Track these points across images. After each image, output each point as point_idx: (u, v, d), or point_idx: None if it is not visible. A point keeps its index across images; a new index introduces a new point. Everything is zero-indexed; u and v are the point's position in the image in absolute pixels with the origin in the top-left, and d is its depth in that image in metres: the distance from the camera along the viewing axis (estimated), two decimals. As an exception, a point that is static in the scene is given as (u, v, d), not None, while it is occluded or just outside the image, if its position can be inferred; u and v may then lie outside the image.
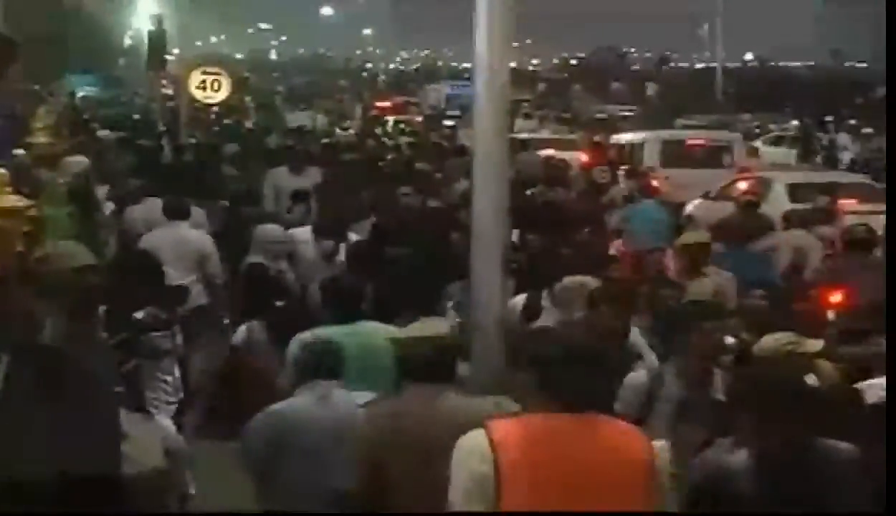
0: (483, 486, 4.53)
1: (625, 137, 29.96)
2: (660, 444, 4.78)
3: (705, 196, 22.10)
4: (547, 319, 8.89)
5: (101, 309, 7.21)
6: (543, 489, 4.53)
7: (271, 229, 11.83)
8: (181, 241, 11.66)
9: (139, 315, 8.09)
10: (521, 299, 9.26)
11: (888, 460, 5.03)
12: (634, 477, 4.60)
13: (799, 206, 16.31)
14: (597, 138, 30.26)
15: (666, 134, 30.23)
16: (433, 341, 5.93)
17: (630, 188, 17.31)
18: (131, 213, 13.97)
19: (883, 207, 14.43)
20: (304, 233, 12.11)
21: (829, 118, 43.29)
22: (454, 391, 5.91)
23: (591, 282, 8.84)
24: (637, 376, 7.12)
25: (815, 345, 7.10)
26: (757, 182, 20.89)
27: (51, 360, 5.12)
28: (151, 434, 6.36)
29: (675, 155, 25.98)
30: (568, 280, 9.13)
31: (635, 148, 27.27)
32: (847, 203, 17.38)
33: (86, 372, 5.27)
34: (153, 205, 12.88)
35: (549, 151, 26.43)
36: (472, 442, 4.60)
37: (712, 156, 26.37)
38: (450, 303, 9.49)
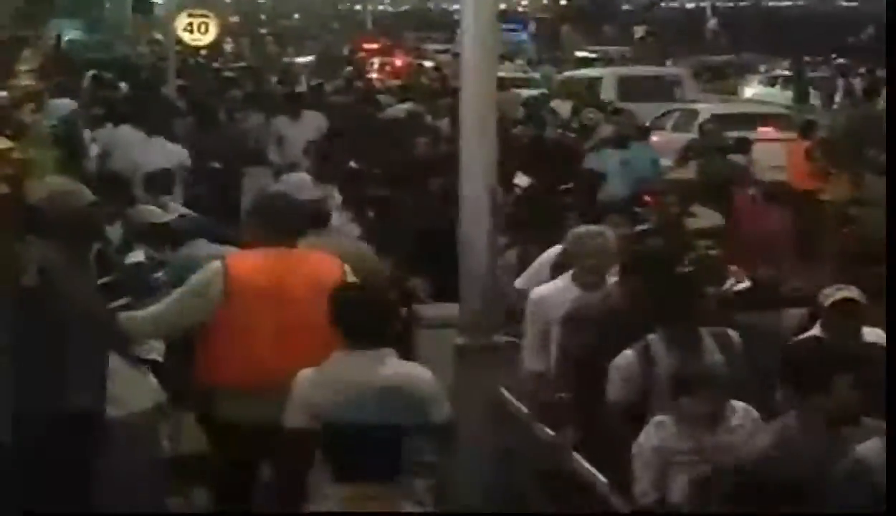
0: (211, 293, 6.50)
1: (582, 73, 31.55)
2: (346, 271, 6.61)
3: None
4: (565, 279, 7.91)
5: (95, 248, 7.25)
6: (261, 295, 6.45)
7: (300, 179, 11.24)
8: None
9: (134, 257, 8.10)
10: (554, 251, 8.49)
11: (888, 460, 4.99)
12: (327, 292, 6.17)
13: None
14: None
15: (622, 70, 31.85)
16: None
17: (618, 129, 17.22)
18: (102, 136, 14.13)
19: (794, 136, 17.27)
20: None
21: (842, 60, 43.02)
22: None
23: (609, 232, 8.01)
24: (625, 356, 6.59)
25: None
26: (683, 112, 22.74)
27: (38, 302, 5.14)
28: (140, 377, 6.38)
29: (631, 89, 26.93)
30: (584, 229, 8.09)
31: (593, 83, 28.44)
32: (765, 131, 18.73)
33: (76, 312, 5.29)
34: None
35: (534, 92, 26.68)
36: (214, 266, 6.61)
37: (664, 91, 27.41)
38: None
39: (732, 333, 6.83)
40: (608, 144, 15.28)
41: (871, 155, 13.60)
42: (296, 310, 6.43)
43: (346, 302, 6.06)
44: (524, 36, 52.06)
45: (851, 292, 7.01)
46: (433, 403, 5.84)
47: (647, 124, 21.98)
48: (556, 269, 8.22)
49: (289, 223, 6.86)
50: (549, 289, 7.89)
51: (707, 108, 23.11)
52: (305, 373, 5.95)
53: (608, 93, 26.88)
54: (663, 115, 23.28)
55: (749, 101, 31.10)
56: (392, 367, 5.95)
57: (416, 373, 6.05)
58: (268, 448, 6.17)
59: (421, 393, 5.80)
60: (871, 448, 5.13)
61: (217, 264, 6.64)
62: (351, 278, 6.63)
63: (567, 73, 33.33)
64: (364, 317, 5.95)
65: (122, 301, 7.21)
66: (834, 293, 7.04)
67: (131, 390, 6.12)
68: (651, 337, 6.58)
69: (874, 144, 14.43)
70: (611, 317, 6.99)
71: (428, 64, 41.13)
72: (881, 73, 37.32)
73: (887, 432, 5.17)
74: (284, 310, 6.45)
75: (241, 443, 6.45)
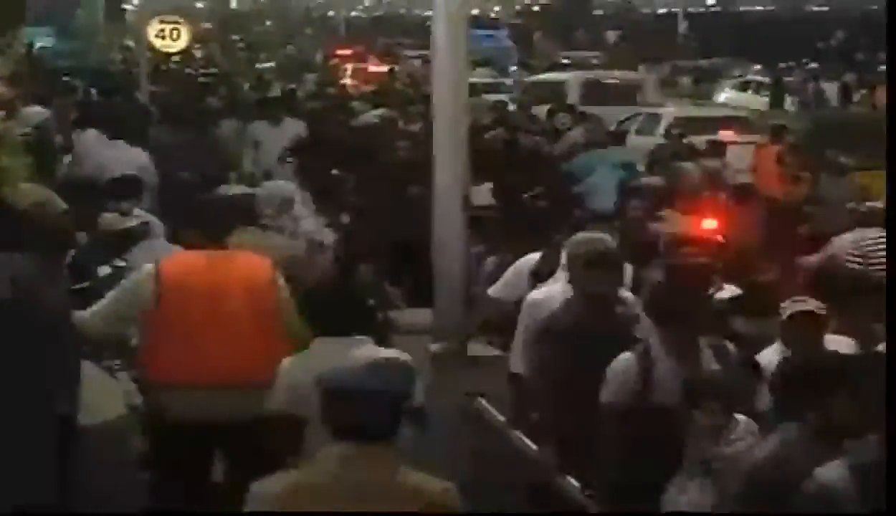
0: (145, 294, 6.80)
1: (546, 77, 32.12)
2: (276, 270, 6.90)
3: None
4: (558, 281, 7.76)
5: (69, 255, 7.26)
6: (193, 295, 6.77)
7: (282, 185, 11.06)
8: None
9: (108, 266, 8.09)
10: (532, 258, 8.35)
11: (888, 460, 4.93)
12: (259, 290, 6.81)
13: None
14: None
15: (585, 74, 32.26)
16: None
17: (590, 134, 17.27)
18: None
19: (757, 138, 17.91)
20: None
21: (814, 65, 43.28)
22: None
23: (608, 238, 7.86)
24: (624, 359, 6.53)
25: None
26: (646, 116, 23.14)
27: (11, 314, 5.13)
28: (112, 383, 6.37)
29: (594, 93, 27.48)
30: (582, 236, 7.81)
31: (557, 87, 28.84)
32: (726, 134, 19.03)
33: (48, 320, 5.28)
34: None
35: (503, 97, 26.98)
36: (147, 268, 6.92)
37: (626, 95, 27.78)
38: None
39: (728, 344, 6.81)
40: (585, 148, 15.38)
41: (831, 157, 13.73)
42: (227, 308, 6.77)
43: (323, 294, 6.51)
44: (507, 42, 51.77)
45: (809, 304, 6.95)
46: (410, 384, 5.87)
47: (612, 128, 22.41)
48: (536, 277, 8.13)
49: (214, 222, 7.20)
50: (545, 293, 7.71)
51: (669, 112, 23.60)
52: (289, 360, 6.25)
53: (572, 97, 27.28)
54: (627, 119, 23.53)
55: (711, 105, 31.31)
56: (371, 351, 6.18)
57: (393, 356, 6.30)
58: (211, 442, 6.48)
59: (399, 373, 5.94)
60: (834, 472, 5.00)
61: (149, 266, 6.97)
62: (280, 278, 6.98)
63: (531, 78, 33.66)
64: (340, 308, 6.30)
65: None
66: (791, 306, 6.97)
67: (104, 397, 6.11)
68: (650, 339, 6.55)
69: (836, 146, 14.60)
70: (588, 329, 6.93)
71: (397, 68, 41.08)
72: (850, 77, 37.74)
73: (887, 432, 5.12)
74: (216, 308, 6.77)
75: (182, 439, 6.60)
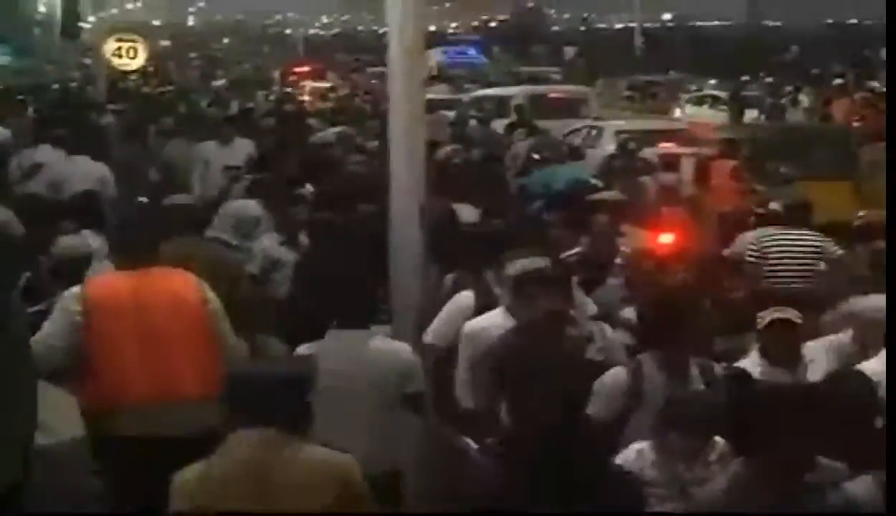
0: (71, 318, 6.65)
1: (493, 92, 32.44)
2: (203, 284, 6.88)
3: None
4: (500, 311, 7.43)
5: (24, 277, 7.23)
6: (121, 315, 6.67)
7: (246, 204, 11.20)
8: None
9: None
10: (465, 300, 7.85)
11: (888, 460, 4.96)
12: (187, 306, 6.79)
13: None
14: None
15: (530, 88, 32.50)
16: None
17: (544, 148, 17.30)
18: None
19: (696, 150, 18.53)
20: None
21: (769, 79, 43.75)
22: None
23: (545, 263, 7.46)
24: (615, 373, 6.49)
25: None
26: (590, 129, 23.49)
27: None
28: (70, 403, 6.35)
29: (539, 107, 27.69)
30: (520, 262, 7.39)
31: (502, 101, 29.14)
32: (667, 146, 19.56)
33: (7, 343, 5.28)
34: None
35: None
36: (72, 292, 6.77)
37: (570, 109, 28.21)
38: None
39: (715, 365, 6.73)
40: (539, 163, 15.40)
41: (778, 169, 13.95)
42: (154, 326, 6.74)
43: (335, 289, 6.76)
44: (481, 58, 51.76)
45: (786, 313, 7.01)
46: (410, 375, 6.57)
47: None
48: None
49: (140, 237, 7.11)
50: (486, 322, 7.39)
51: (611, 125, 23.97)
52: (303, 349, 6.57)
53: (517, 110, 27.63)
54: (571, 132, 23.77)
55: (653, 118, 31.72)
56: (379, 343, 6.63)
57: (396, 347, 6.72)
58: (160, 458, 6.28)
59: (400, 365, 6.57)
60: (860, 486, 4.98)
61: (76, 289, 6.88)
62: (209, 290, 6.97)
63: (478, 92, 33.90)
64: (350, 302, 6.63)
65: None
66: (770, 314, 7.04)
67: (62, 417, 6.10)
68: (642, 356, 6.51)
69: (785, 159, 14.81)
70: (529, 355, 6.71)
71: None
72: (808, 90, 38.04)
73: (887, 432, 5.16)
74: (143, 327, 6.74)
75: (129, 459, 6.54)
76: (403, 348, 6.77)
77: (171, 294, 6.90)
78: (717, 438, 5.90)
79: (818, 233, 10.37)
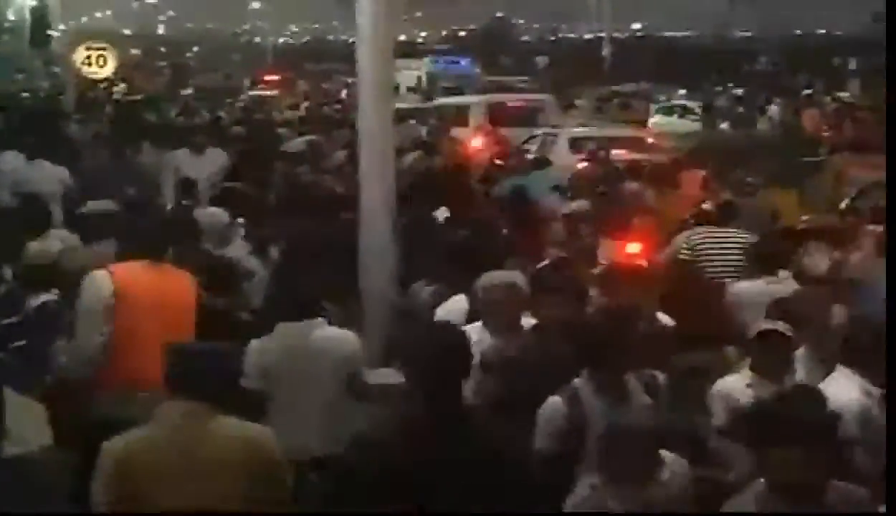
0: (107, 298, 7.18)
1: (453, 100, 33.08)
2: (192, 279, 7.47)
3: None
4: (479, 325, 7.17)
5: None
6: (141, 301, 7.22)
7: (217, 213, 11.08)
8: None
9: (38, 299, 8.01)
10: (461, 302, 7.65)
11: (888, 460, 4.95)
12: (187, 298, 7.43)
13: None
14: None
15: (490, 97, 33.10)
16: None
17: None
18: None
19: (647, 156, 19.64)
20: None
21: (739, 90, 44.11)
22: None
23: (520, 278, 7.31)
24: (552, 403, 6.18)
25: None
26: (546, 136, 24.17)
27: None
28: (38, 411, 6.31)
29: (498, 115, 28.54)
30: (491, 276, 7.24)
31: (461, 109, 29.99)
32: (619, 153, 20.15)
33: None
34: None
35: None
36: (101, 278, 7.29)
37: (528, 117, 28.76)
38: None
39: (658, 374, 6.57)
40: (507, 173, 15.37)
41: (741, 177, 14.19)
42: (168, 316, 7.21)
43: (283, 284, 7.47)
44: (473, 69, 51.44)
45: (777, 325, 6.90)
46: (355, 360, 6.93)
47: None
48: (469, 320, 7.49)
49: (160, 237, 7.68)
50: (474, 331, 7.03)
51: (566, 132, 24.66)
52: (256, 343, 6.92)
53: (476, 119, 28.43)
54: (528, 139, 24.32)
55: (607, 126, 32.07)
56: (324, 331, 6.96)
57: (341, 335, 7.04)
58: None
59: (344, 351, 6.91)
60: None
61: (99, 271, 7.36)
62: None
63: (439, 101, 34.27)
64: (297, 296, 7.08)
65: (21, 342, 7.20)
66: (760, 325, 6.95)
67: (30, 426, 6.07)
68: (577, 381, 6.21)
69: (747, 168, 15.06)
70: (528, 362, 6.65)
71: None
72: (777, 100, 38.26)
73: (887, 432, 5.15)
74: (160, 314, 7.19)
75: None
76: (348, 335, 7.05)
77: (179, 288, 7.47)
78: (666, 453, 5.72)
79: (744, 231, 10.79)
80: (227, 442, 5.15)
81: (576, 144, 22.60)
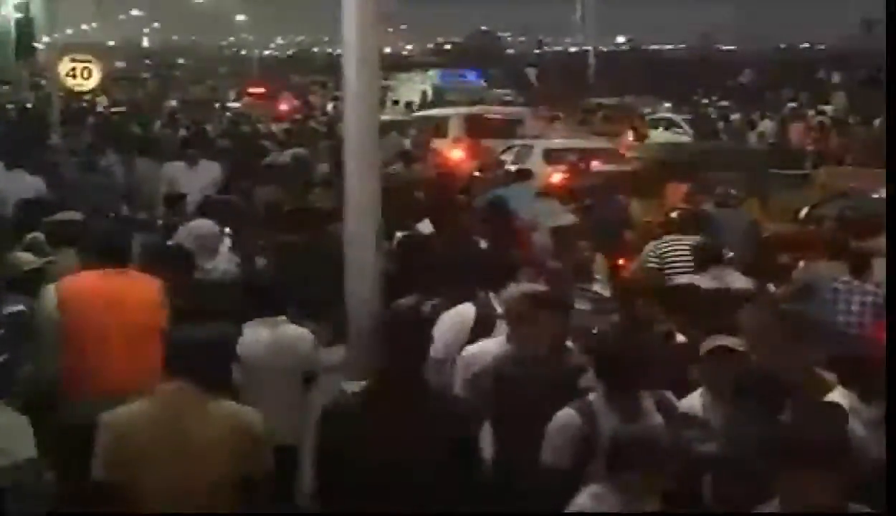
0: (50, 311, 7.59)
1: (433, 113, 33.38)
2: (157, 284, 7.81)
3: None
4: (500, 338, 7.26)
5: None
6: (90, 310, 7.58)
7: (205, 224, 11.09)
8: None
9: (12, 307, 8.00)
10: (468, 313, 7.77)
11: (888, 460, 4.91)
12: (145, 303, 7.70)
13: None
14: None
15: (468, 110, 33.22)
16: None
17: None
18: None
19: (619, 166, 20.79)
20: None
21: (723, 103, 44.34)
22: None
23: (542, 288, 7.43)
24: (566, 415, 6.07)
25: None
26: (521, 148, 24.77)
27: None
28: (24, 423, 6.31)
29: (477, 127, 28.79)
30: (516, 289, 7.36)
31: (440, 121, 30.27)
32: (594, 164, 21.34)
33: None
34: None
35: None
36: (48, 291, 7.77)
37: (507, 128, 29.07)
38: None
39: (671, 396, 6.43)
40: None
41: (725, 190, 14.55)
42: (123, 320, 7.53)
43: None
44: (480, 82, 51.09)
45: (727, 340, 6.69)
46: (310, 357, 7.69)
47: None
48: (474, 332, 7.60)
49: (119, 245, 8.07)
50: (480, 348, 7.25)
51: (540, 144, 25.25)
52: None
53: (455, 131, 28.77)
54: (504, 150, 24.76)
55: (580, 138, 32.32)
56: (284, 329, 7.71)
57: (301, 332, 7.78)
58: None
59: (305, 347, 7.70)
60: None
61: (50, 285, 7.84)
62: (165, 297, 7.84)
63: (419, 113, 34.60)
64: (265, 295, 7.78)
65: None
66: (710, 342, 6.69)
67: (15, 439, 6.06)
68: (592, 395, 6.14)
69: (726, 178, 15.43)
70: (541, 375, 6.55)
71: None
72: (760, 114, 38.38)
73: (887, 432, 5.12)
74: (113, 320, 7.53)
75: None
76: (306, 333, 7.73)
77: (137, 292, 7.74)
78: None
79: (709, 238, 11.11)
80: (218, 420, 5.45)
81: (550, 155, 23.40)
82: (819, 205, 15.73)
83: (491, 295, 7.78)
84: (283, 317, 7.82)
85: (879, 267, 9.47)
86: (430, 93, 44.44)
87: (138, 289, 7.80)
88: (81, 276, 7.96)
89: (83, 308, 7.62)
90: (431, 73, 48.23)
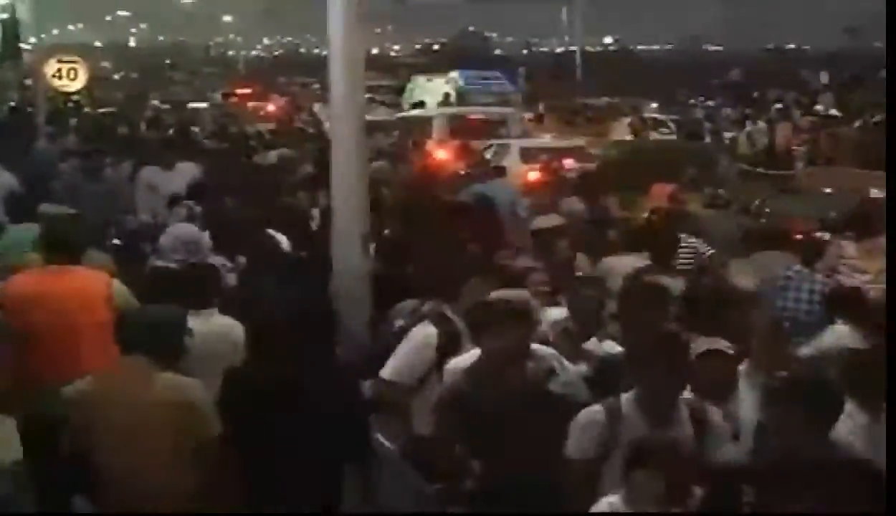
0: None
1: (417, 113, 33.47)
2: (117, 284, 8.03)
3: None
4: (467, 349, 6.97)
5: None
6: (31, 306, 7.70)
7: (187, 228, 10.88)
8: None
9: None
10: (429, 333, 7.32)
11: (888, 460, 4.86)
12: (87, 300, 7.81)
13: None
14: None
15: (451, 110, 33.61)
16: None
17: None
18: None
19: (591, 165, 21.56)
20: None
21: (710, 103, 44.42)
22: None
23: (524, 293, 7.27)
24: (591, 412, 5.92)
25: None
26: (500, 147, 25.25)
27: None
28: (8, 428, 6.27)
29: (461, 128, 28.75)
30: (498, 294, 7.12)
31: (424, 122, 30.29)
32: (567, 162, 22.31)
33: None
34: None
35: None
36: None
37: (491, 129, 29.08)
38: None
39: (711, 409, 6.15)
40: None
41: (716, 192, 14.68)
42: (65, 317, 7.69)
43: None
44: (510, 85, 50.44)
45: (718, 344, 6.64)
46: (238, 348, 7.38)
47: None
48: (441, 351, 7.24)
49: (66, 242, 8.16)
50: (464, 362, 6.80)
51: (516, 143, 25.92)
52: None
53: (439, 131, 28.82)
54: (486, 148, 24.89)
55: (558, 138, 32.56)
56: (216, 319, 7.74)
57: (231, 323, 7.72)
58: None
59: (237, 336, 7.50)
60: None
61: None
62: (120, 290, 8.03)
63: (402, 114, 34.56)
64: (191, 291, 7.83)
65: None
66: (700, 345, 6.56)
67: (1, 442, 6.02)
68: (625, 396, 5.93)
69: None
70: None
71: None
72: (747, 112, 38.44)
73: (887, 432, 5.06)
74: (55, 317, 7.68)
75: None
76: (236, 323, 7.64)
77: (80, 288, 7.87)
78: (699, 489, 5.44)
79: (693, 236, 11.18)
80: (164, 391, 6.03)
81: (526, 154, 24.12)
82: (763, 202, 16.33)
83: (447, 309, 7.41)
84: (215, 308, 7.91)
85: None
86: (453, 95, 43.45)
87: (79, 286, 7.90)
88: (25, 275, 8.08)
89: (21, 307, 7.71)
90: (453, 74, 47.22)
